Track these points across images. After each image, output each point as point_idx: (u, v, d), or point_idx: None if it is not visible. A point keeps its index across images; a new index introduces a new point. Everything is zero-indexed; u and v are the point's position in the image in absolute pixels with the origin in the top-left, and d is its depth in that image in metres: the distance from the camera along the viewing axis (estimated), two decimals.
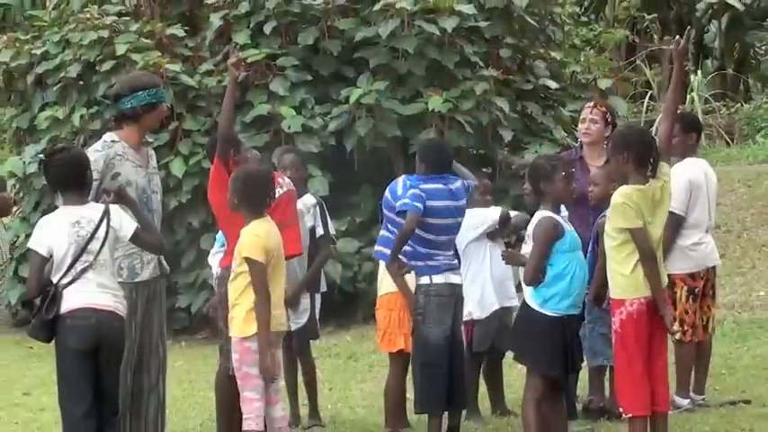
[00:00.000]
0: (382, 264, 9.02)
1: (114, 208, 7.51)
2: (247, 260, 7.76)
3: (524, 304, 7.82)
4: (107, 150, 8.24)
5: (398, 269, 8.61)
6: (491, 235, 9.47)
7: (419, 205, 8.38)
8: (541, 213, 7.80)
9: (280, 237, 7.90)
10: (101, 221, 7.38)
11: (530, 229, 7.85)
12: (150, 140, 8.70)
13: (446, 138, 14.19)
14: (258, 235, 7.79)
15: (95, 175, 8.01)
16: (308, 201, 9.89)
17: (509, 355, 9.76)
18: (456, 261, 8.73)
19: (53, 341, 7.43)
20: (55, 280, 7.32)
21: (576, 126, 10.79)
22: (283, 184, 8.74)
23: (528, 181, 8.01)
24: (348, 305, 15.19)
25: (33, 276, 7.32)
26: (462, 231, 8.97)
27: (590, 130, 9.50)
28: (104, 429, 7.41)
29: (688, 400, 9.31)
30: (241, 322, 7.83)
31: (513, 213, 9.57)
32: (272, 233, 7.84)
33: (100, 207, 7.46)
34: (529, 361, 7.93)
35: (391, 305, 9.20)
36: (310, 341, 10.05)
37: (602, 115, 9.52)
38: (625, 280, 7.30)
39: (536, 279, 7.68)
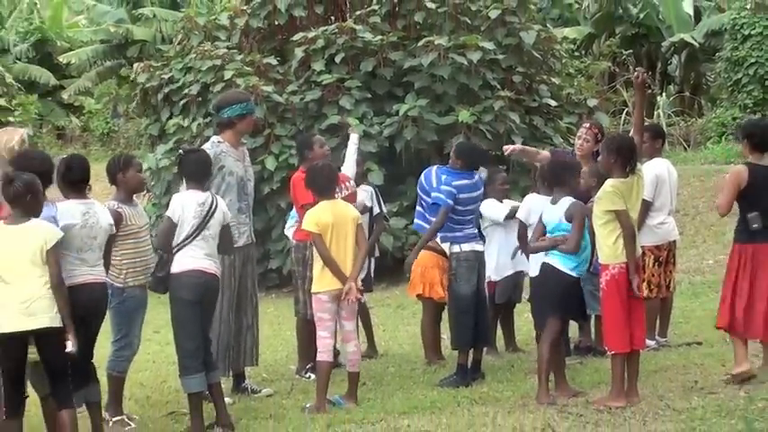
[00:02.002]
0: None
1: (220, 198, 7.60)
2: (306, 231, 7.80)
3: (549, 268, 7.54)
4: (215, 148, 8.26)
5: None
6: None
7: (450, 201, 8.32)
8: (570, 200, 7.57)
9: (341, 214, 7.71)
10: (214, 203, 7.42)
11: (558, 211, 7.54)
12: (244, 142, 8.70)
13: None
14: (312, 212, 7.76)
15: None
16: (367, 188, 9.86)
17: (518, 305, 9.77)
18: (478, 231, 8.64)
19: (167, 293, 7.43)
20: (174, 244, 7.33)
21: (571, 134, 10.66)
22: (343, 187, 8.64)
23: (545, 178, 8.01)
24: (397, 267, 15.06)
25: (165, 236, 7.33)
26: (483, 217, 8.99)
27: (582, 147, 9.31)
28: (206, 359, 7.40)
29: (654, 342, 9.19)
30: (314, 280, 7.82)
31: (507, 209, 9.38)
32: (329, 210, 7.69)
33: (213, 194, 7.55)
34: (558, 311, 7.58)
35: (419, 262, 9.15)
36: (365, 293, 9.98)
37: (594, 135, 9.29)
38: (609, 249, 7.21)
39: (579, 248, 7.47)
